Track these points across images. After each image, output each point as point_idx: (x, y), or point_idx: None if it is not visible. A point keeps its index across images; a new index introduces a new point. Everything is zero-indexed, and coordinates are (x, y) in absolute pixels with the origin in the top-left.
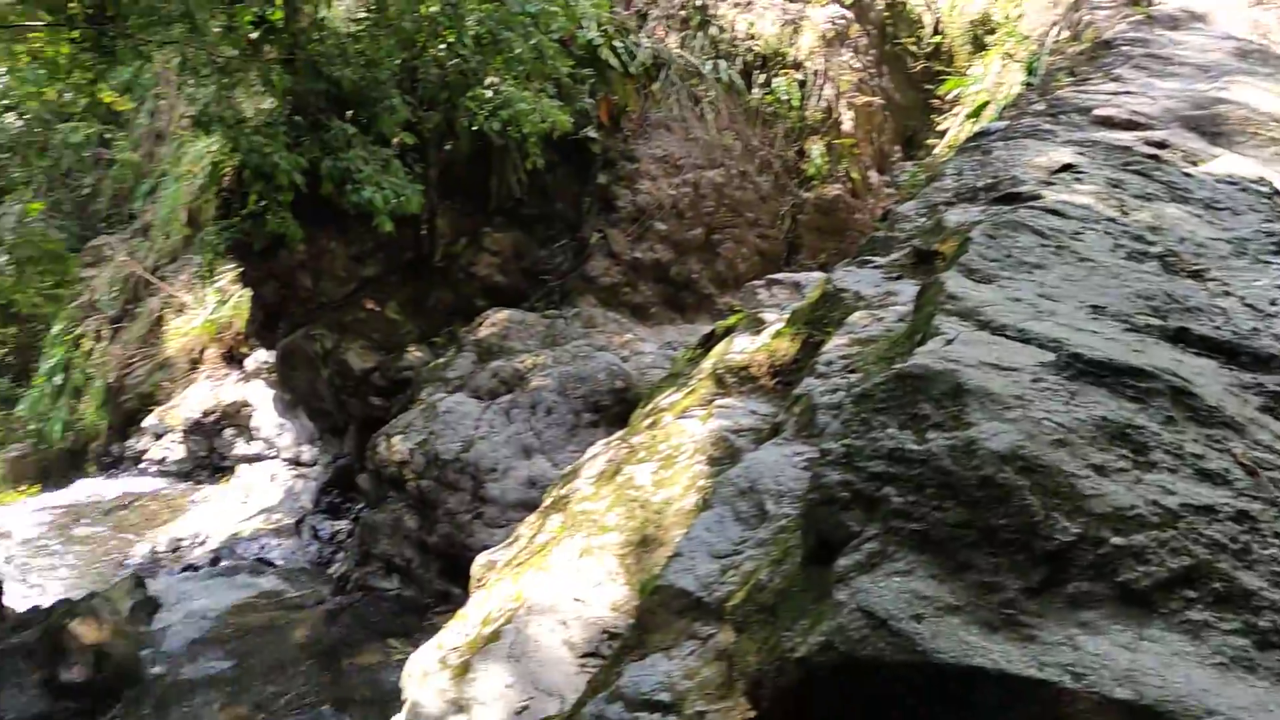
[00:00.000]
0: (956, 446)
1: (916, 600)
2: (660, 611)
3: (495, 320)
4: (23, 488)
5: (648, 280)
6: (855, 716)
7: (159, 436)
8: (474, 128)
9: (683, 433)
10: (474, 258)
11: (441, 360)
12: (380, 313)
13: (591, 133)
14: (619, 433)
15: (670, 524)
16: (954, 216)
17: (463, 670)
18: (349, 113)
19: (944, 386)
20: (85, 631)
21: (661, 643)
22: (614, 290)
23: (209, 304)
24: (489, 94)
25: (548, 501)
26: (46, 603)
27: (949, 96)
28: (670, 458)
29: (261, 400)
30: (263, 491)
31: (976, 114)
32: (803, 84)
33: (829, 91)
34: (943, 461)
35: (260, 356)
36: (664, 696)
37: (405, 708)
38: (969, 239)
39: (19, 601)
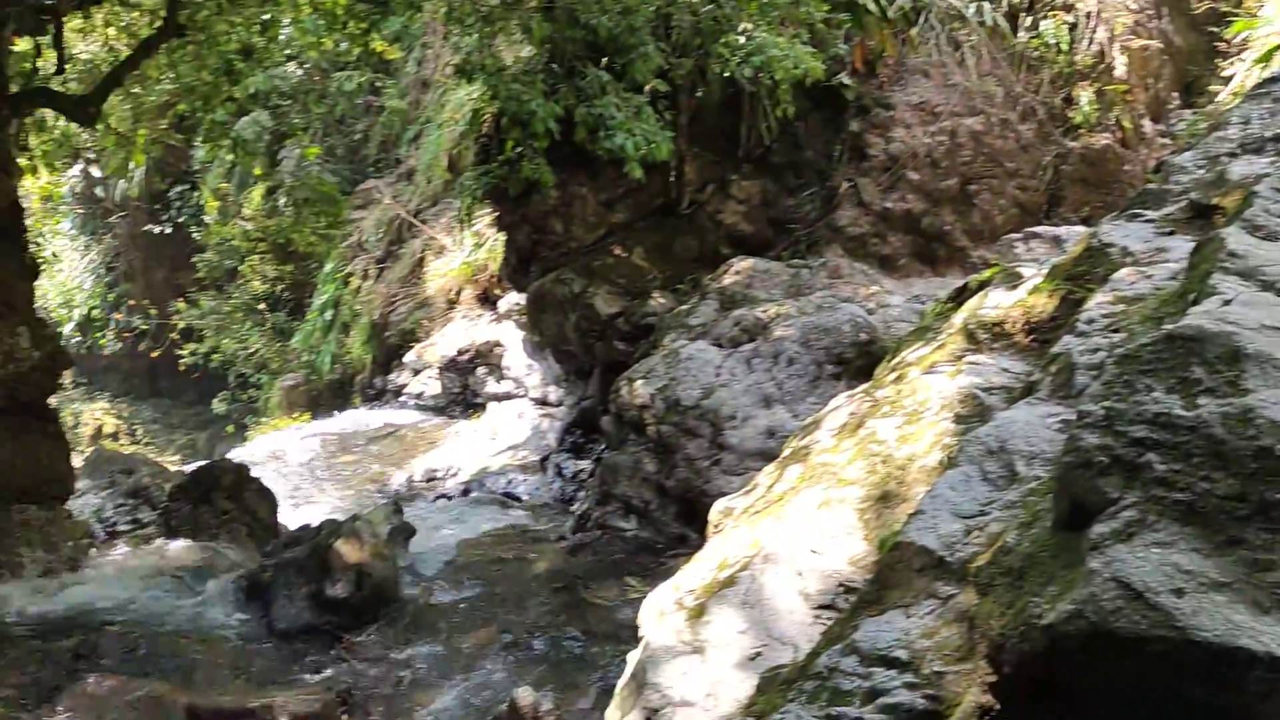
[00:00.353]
0: (1231, 414)
1: (1178, 574)
2: (900, 568)
3: (739, 268)
4: (295, 415)
5: (897, 231)
6: (1101, 689)
7: (417, 372)
8: (725, 74)
9: (929, 388)
10: (721, 205)
11: (685, 307)
12: (627, 258)
13: (845, 79)
14: (862, 386)
15: (912, 481)
16: (1238, 169)
17: (698, 613)
18: (604, 60)
19: (1219, 349)
20: (348, 551)
21: (900, 600)
22: (862, 241)
23: (466, 247)
24: (741, 40)
25: (787, 452)
26: (315, 522)
27: (1236, 40)
28: (915, 413)
29: (512, 341)
30: (511, 429)
31: (1267, 59)
32: (1073, 26)
33: (1101, 34)
34: (1214, 429)
35: (512, 299)
36: (900, 654)
37: (641, 644)
38: (1254, 193)
39: (291, 520)
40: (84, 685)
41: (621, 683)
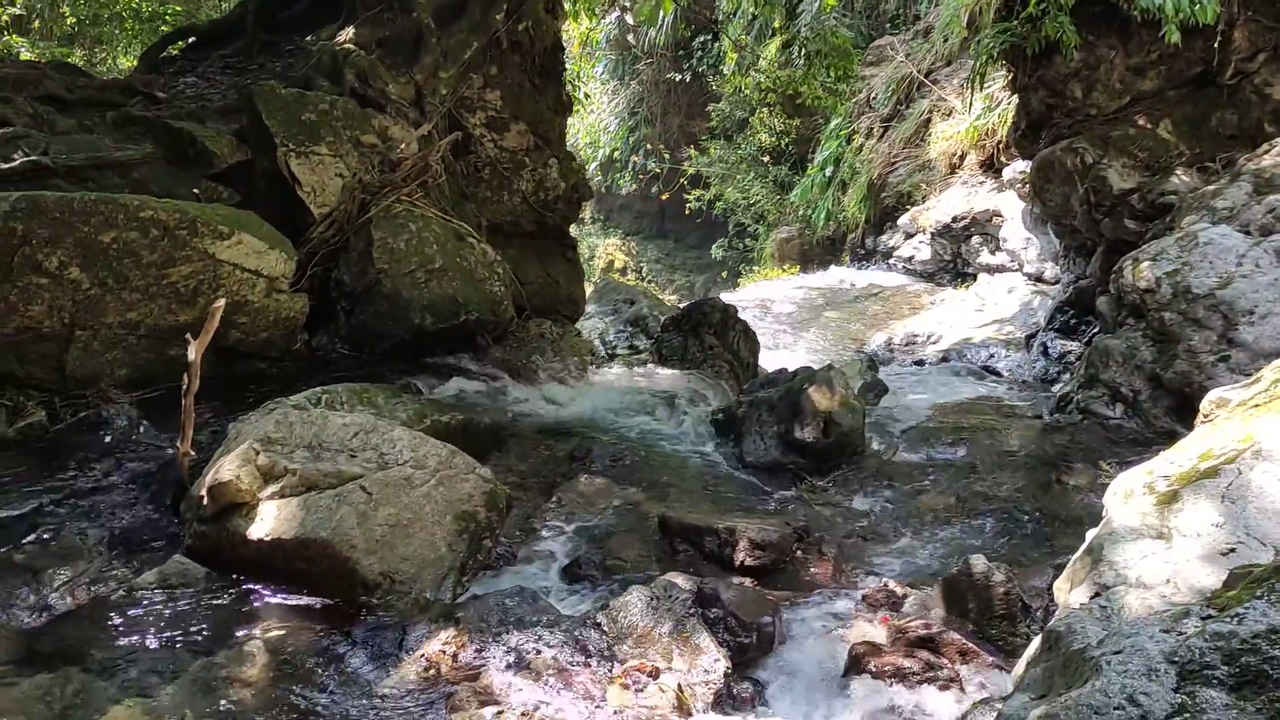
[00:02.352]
0: None
1: None
2: None
3: None
4: (785, 267)
5: None
6: None
7: (910, 236)
8: None
9: None
10: (1271, 78)
11: (1211, 188)
12: (1151, 130)
13: None
14: None
15: None
16: None
17: (1169, 499)
18: None
19: None
20: (820, 398)
21: None
22: None
23: (975, 109)
24: None
25: None
26: (791, 368)
27: None
28: None
29: (1012, 211)
30: (999, 302)
31: None
32: None
33: None
34: None
35: (1017, 167)
36: None
37: (1102, 523)
38: None
39: (769, 362)
40: (577, 482)
41: (1075, 556)
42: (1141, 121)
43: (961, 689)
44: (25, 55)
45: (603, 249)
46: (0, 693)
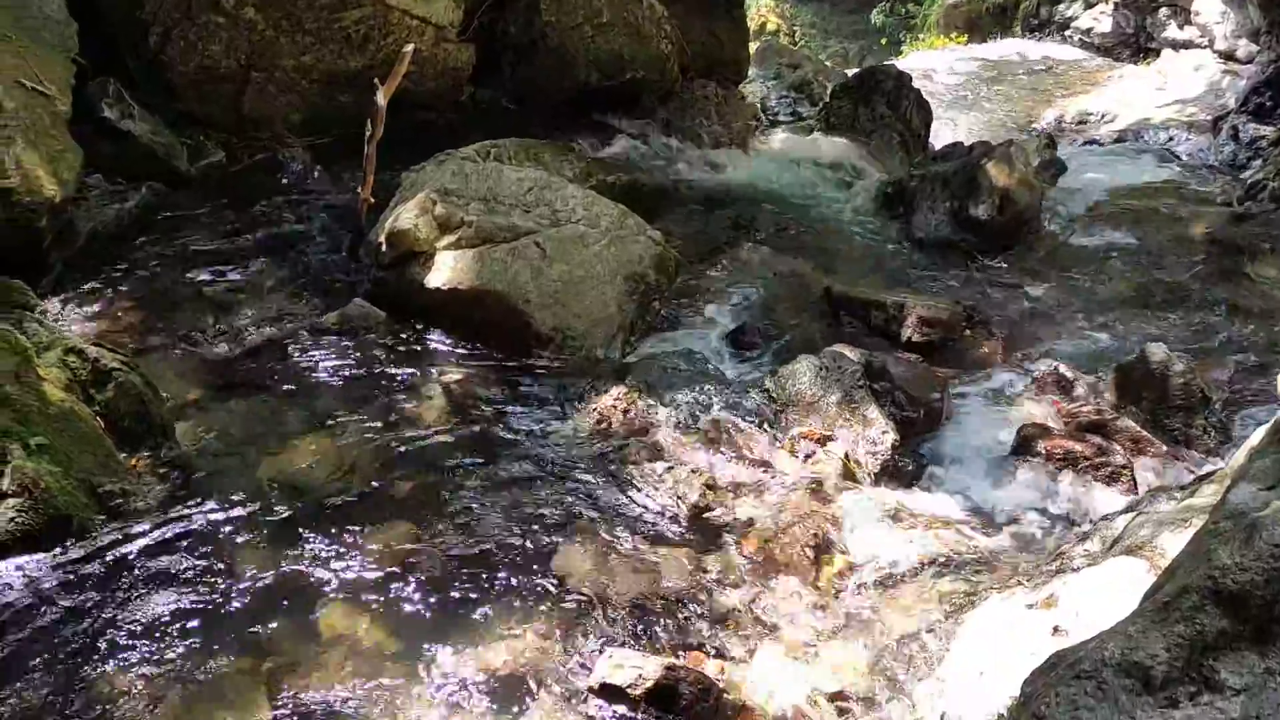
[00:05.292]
0: None
1: None
2: None
3: None
4: (952, 36)
5: None
6: None
7: (1090, 6)
8: None
9: None
10: None
11: None
12: None
13: None
14: None
15: None
16: None
17: None
18: None
19: None
20: (997, 174)
21: None
22: None
23: None
24: None
25: None
26: (966, 142)
27: None
28: None
29: None
30: (1184, 81)
31: None
32: None
33: None
34: None
35: None
36: None
37: None
38: None
39: (938, 138)
40: (739, 249)
41: None
42: None
43: (1133, 477)
44: None
45: (755, 11)
46: (202, 418)
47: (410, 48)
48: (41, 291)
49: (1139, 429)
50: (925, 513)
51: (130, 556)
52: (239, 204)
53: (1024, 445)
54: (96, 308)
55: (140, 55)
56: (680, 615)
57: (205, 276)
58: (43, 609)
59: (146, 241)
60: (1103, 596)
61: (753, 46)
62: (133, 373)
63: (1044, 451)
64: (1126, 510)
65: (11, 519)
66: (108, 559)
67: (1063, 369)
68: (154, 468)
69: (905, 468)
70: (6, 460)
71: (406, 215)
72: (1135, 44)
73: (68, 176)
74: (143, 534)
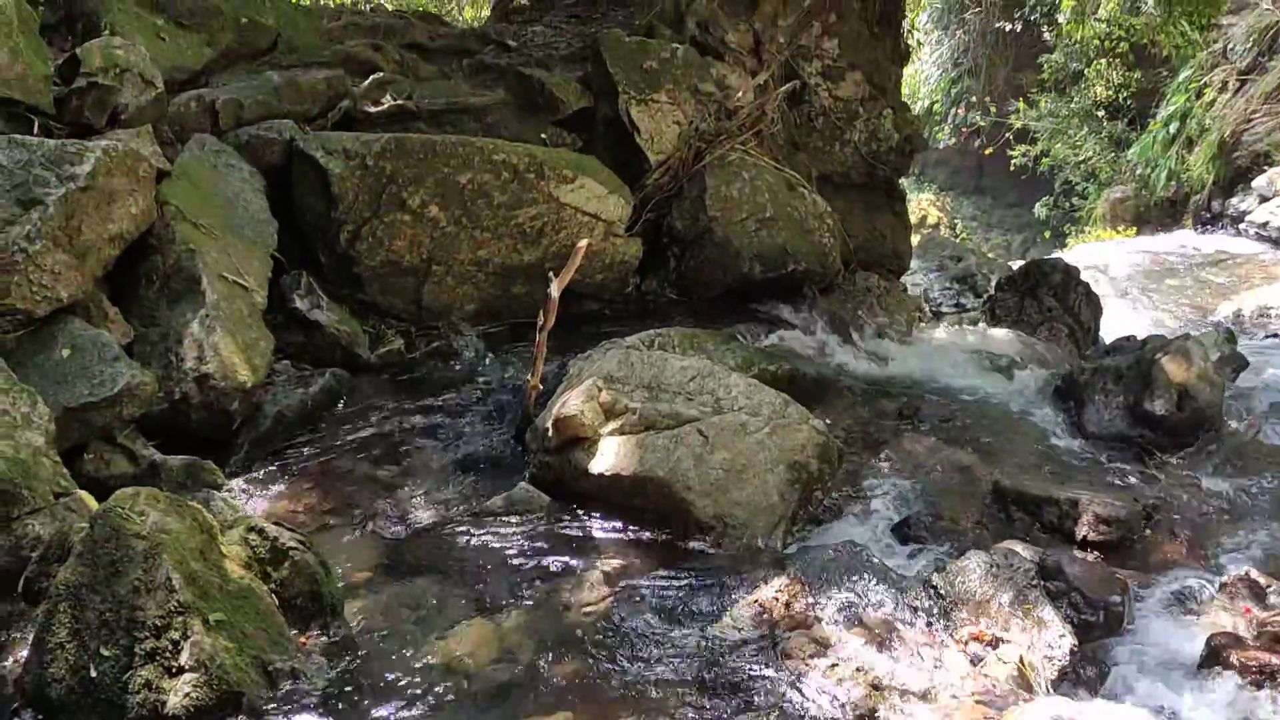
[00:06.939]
0: None
1: None
2: None
3: None
4: (1119, 229)
5: None
6: None
7: (1265, 199)
8: None
9: None
10: None
11: None
12: None
13: None
14: None
15: None
16: None
17: None
18: None
19: None
20: (1174, 369)
21: None
22: None
23: None
24: None
25: None
26: (1139, 335)
27: None
28: None
29: None
30: None
31: None
32: None
33: None
34: None
35: None
36: None
37: None
38: None
39: (1106, 331)
40: (903, 439)
41: None
42: None
43: None
44: (388, 4)
45: (916, 203)
46: (370, 598)
47: (584, 243)
48: (229, 470)
49: None
50: None
51: None
52: (414, 389)
53: (1214, 655)
54: (278, 487)
55: (331, 250)
56: None
57: (380, 458)
58: None
59: (327, 424)
60: None
61: (915, 239)
62: (308, 552)
63: (1237, 663)
64: None
65: (187, 694)
66: None
67: (1254, 574)
68: (323, 646)
69: (1085, 675)
70: (188, 635)
71: (573, 401)
72: None
73: (259, 363)
74: (309, 713)
